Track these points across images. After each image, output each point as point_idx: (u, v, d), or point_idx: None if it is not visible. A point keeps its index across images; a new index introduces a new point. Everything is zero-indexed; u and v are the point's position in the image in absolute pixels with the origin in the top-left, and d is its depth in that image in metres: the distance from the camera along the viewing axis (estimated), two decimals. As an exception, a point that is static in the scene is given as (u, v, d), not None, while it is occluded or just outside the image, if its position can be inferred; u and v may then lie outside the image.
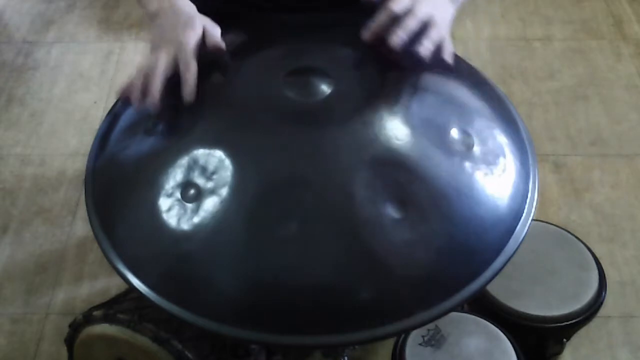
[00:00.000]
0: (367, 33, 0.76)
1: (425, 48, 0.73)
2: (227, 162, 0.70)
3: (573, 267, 1.12)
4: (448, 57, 0.77)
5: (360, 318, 0.66)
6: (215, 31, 0.78)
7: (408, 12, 0.74)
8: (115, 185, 0.76)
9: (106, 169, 0.78)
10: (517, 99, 1.79)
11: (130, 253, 0.71)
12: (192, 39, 0.74)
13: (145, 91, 0.74)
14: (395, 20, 0.74)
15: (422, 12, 0.74)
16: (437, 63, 0.76)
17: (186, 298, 0.68)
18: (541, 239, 1.15)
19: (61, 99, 1.87)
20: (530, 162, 0.79)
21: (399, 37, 0.72)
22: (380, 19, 0.75)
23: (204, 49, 0.77)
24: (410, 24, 0.73)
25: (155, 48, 0.76)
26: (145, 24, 2.07)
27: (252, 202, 0.68)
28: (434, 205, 0.69)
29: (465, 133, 0.74)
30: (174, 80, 0.75)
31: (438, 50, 0.76)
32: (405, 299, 0.67)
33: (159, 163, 0.73)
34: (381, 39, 0.75)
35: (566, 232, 1.18)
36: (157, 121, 0.77)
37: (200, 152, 0.71)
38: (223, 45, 0.78)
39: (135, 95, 0.74)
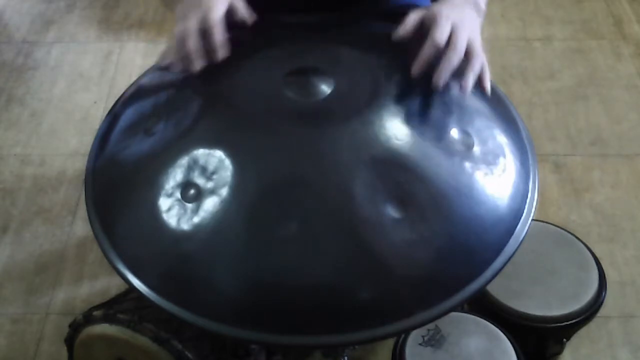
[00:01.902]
0: (416, 68, 0.74)
1: (469, 82, 0.73)
2: (227, 162, 0.70)
3: (573, 267, 1.12)
4: (487, 83, 0.76)
5: (360, 318, 0.66)
6: (241, 4, 0.80)
7: (451, 43, 0.73)
8: (115, 185, 0.76)
9: (106, 169, 0.78)
10: (517, 99, 1.79)
11: (130, 253, 0.71)
12: (218, 3, 0.76)
13: (184, 54, 0.76)
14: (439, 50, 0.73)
15: (463, 41, 0.73)
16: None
17: (186, 298, 0.68)
18: (541, 239, 1.15)
19: (61, 99, 1.87)
20: (530, 162, 0.79)
21: (441, 77, 0.72)
22: (426, 51, 0.73)
23: (232, 20, 0.79)
24: (454, 60, 0.73)
25: (182, 18, 0.78)
26: (145, 24, 2.07)
27: (252, 202, 0.68)
28: (434, 205, 0.69)
29: (465, 133, 0.74)
30: (174, 79, 0.75)
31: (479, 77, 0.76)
32: (405, 299, 0.67)
33: (159, 163, 0.73)
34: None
35: (566, 232, 1.17)
36: (157, 121, 0.77)
37: (200, 152, 0.71)
38: (250, 16, 0.80)
39: (176, 59, 0.77)
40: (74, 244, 1.51)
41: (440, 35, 0.73)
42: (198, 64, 0.76)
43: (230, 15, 0.79)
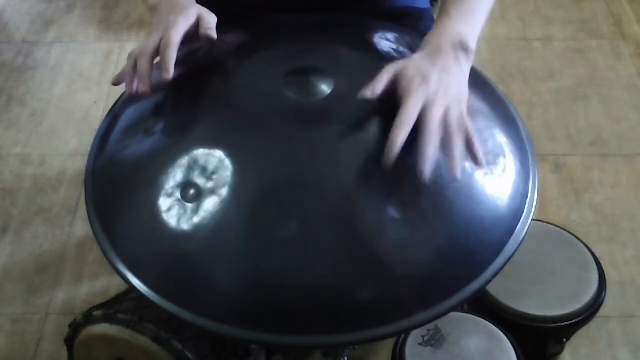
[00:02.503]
0: (388, 158, 0.66)
1: (454, 166, 0.67)
2: (227, 162, 0.70)
3: (573, 267, 1.12)
4: (478, 154, 0.69)
5: (360, 318, 0.66)
6: (210, 19, 0.78)
7: (421, 127, 0.66)
8: (115, 185, 0.76)
9: (106, 169, 0.78)
10: (517, 99, 1.79)
11: (130, 253, 0.71)
12: (180, 22, 0.75)
13: (136, 73, 0.74)
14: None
15: (434, 122, 0.66)
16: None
17: (186, 298, 0.68)
18: (541, 239, 1.15)
19: (61, 99, 1.87)
20: (530, 162, 0.79)
21: (424, 167, 0.65)
22: (394, 138, 0.66)
23: (196, 37, 0.77)
24: (428, 148, 0.65)
25: (148, 34, 0.77)
26: (145, 24, 2.07)
27: (252, 202, 0.68)
28: (434, 205, 0.69)
29: (465, 133, 0.74)
30: (174, 79, 0.75)
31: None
32: (405, 299, 0.67)
33: (159, 163, 0.73)
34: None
35: (566, 232, 1.17)
36: (157, 121, 0.77)
37: (200, 152, 0.71)
38: (214, 34, 0.77)
39: (128, 80, 0.75)
40: (74, 244, 1.51)
41: (407, 118, 0.66)
42: (142, 87, 0.74)
43: (195, 32, 0.77)
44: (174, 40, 0.74)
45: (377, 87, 0.69)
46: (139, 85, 0.74)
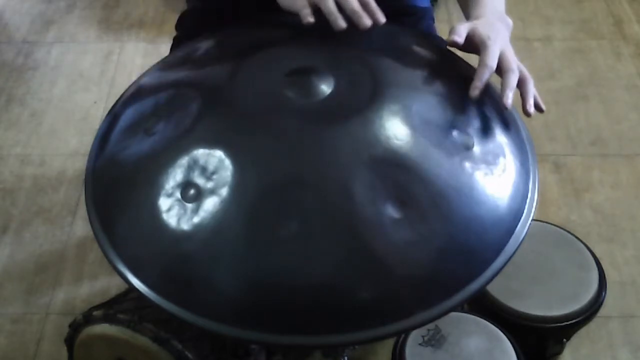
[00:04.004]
0: (476, 92, 0.77)
1: (531, 105, 0.79)
2: (227, 162, 0.70)
3: (573, 267, 1.12)
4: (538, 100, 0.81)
5: (360, 318, 0.66)
6: None
7: (506, 68, 0.79)
8: (115, 185, 0.76)
9: (106, 169, 0.78)
10: (517, 99, 1.78)
11: (130, 253, 0.71)
12: None
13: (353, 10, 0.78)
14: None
15: (514, 63, 0.79)
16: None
17: (186, 298, 0.68)
18: (541, 239, 1.15)
19: (61, 99, 1.87)
20: (530, 162, 0.79)
21: (509, 98, 0.77)
22: (483, 76, 0.77)
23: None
24: (513, 82, 0.78)
25: None
26: (145, 24, 2.07)
27: (252, 202, 0.68)
28: (434, 205, 0.69)
29: (465, 133, 0.74)
30: (174, 79, 0.75)
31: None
32: (405, 299, 0.67)
33: (159, 163, 0.73)
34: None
35: (566, 232, 1.17)
36: (157, 121, 0.77)
37: (200, 152, 0.71)
38: None
39: (334, 17, 0.78)
40: (74, 244, 1.51)
41: (492, 59, 0.78)
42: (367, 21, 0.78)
43: None
44: None
45: (462, 32, 0.80)
46: (365, 20, 0.78)
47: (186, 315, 0.67)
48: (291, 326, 0.66)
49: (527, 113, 0.79)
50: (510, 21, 0.87)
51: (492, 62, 0.78)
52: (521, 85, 0.80)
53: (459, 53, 0.85)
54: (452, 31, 0.80)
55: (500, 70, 0.79)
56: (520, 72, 0.80)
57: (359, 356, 1.26)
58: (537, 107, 0.80)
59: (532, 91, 0.80)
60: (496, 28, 0.82)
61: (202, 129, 0.74)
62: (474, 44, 0.80)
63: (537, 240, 1.14)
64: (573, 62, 1.92)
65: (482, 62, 0.78)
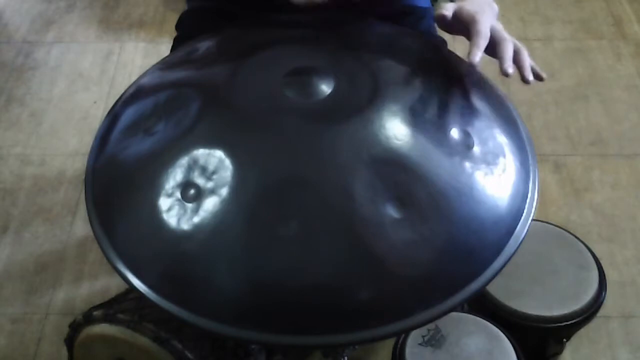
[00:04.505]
0: (476, 58, 0.77)
1: (530, 73, 0.79)
2: (227, 162, 0.70)
3: (573, 267, 1.12)
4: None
5: (360, 318, 0.66)
6: None
7: (500, 37, 0.79)
8: (115, 185, 0.76)
9: (106, 169, 0.78)
10: (517, 99, 1.78)
11: (130, 253, 0.71)
12: None
13: None
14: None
15: (506, 33, 0.80)
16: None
17: (186, 298, 0.68)
18: (541, 239, 1.15)
19: (61, 99, 1.87)
20: (530, 162, 0.79)
21: (510, 67, 0.77)
22: (480, 43, 0.77)
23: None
24: (509, 50, 0.79)
25: None
26: (145, 24, 2.07)
27: (252, 202, 0.68)
28: (434, 205, 0.69)
29: (465, 133, 0.74)
30: (174, 79, 0.75)
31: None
32: (405, 299, 0.67)
33: (159, 163, 0.73)
34: None
35: (566, 232, 1.17)
36: (157, 121, 0.77)
37: (200, 152, 0.71)
38: None
39: None
40: (74, 244, 1.51)
41: (486, 29, 0.79)
42: None
43: None
44: None
45: (449, 7, 0.80)
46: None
47: (186, 316, 0.67)
48: (291, 326, 0.66)
49: (526, 80, 0.78)
50: (496, 7, 0.86)
51: (486, 30, 0.78)
52: (516, 55, 0.79)
53: (459, 53, 0.85)
54: (439, 7, 0.80)
55: (494, 42, 0.79)
56: (514, 43, 0.80)
57: (359, 356, 1.26)
58: (537, 75, 0.80)
59: (528, 60, 0.80)
60: (482, 7, 0.82)
61: (202, 129, 0.74)
62: (462, 21, 0.80)
63: (537, 240, 1.14)
64: (573, 62, 1.92)
65: (476, 32, 0.78)
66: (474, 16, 0.79)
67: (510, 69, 0.77)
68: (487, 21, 0.79)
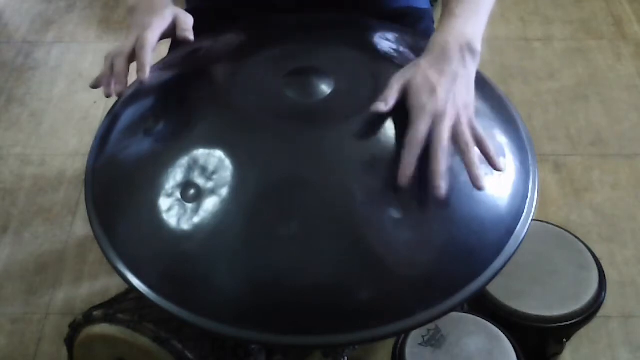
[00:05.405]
0: (403, 179, 0.66)
1: (475, 177, 0.67)
2: (227, 162, 0.70)
3: (573, 267, 1.12)
4: (496, 161, 0.70)
5: (360, 318, 0.66)
6: (187, 20, 0.81)
7: (433, 141, 0.67)
8: (115, 185, 0.76)
9: (106, 169, 0.78)
10: (517, 99, 1.79)
11: (130, 253, 0.71)
12: (156, 24, 0.77)
13: (113, 75, 0.76)
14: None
15: (444, 134, 0.67)
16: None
17: (186, 298, 0.68)
18: (541, 239, 1.15)
19: (61, 99, 1.87)
20: (530, 162, 0.79)
21: (439, 179, 0.66)
22: (407, 158, 0.66)
23: (174, 37, 0.80)
24: (442, 159, 0.66)
25: (126, 35, 0.79)
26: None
27: (252, 202, 0.68)
28: (433, 205, 0.69)
29: (465, 133, 0.74)
30: (174, 79, 0.75)
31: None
32: (405, 299, 0.67)
33: (159, 163, 0.73)
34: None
35: (566, 232, 1.17)
36: (157, 121, 0.77)
37: (200, 152, 0.71)
38: (191, 35, 0.80)
39: (105, 82, 0.77)
40: (74, 244, 1.51)
41: (418, 138, 0.67)
42: (119, 87, 0.76)
43: (171, 32, 0.80)
44: (149, 42, 0.76)
45: (389, 100, 0.70)
46: (116, 86, 0.76)
47: (186, 315, 0.67)
48: (291, 326, 0.66)
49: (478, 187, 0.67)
50: (479, 48, 0.73)
51: (416, 141, 0.66)
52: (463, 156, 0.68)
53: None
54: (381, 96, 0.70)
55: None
56: (459, 137, 0.68)
57: (359, 356, 1.26)
58: (495, 167, 0.69)
59: (474, 159, 0.67)
60: (447, 66, 0.70)
61: (202, 129, 0.74)
62: (409, 105, 0.69)
63: (537, 240, 1.14)
64: (573, 62, 1.92)
65: (406, 139, 0.67)
66: (413, 111, 0.68)
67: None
68: (425, 122, 0.67)
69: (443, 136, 0.67)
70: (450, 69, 0.71)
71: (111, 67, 0.77)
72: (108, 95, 0.77)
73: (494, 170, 0.73)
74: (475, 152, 0.68)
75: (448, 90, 0.69)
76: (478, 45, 0.73)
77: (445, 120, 0.67)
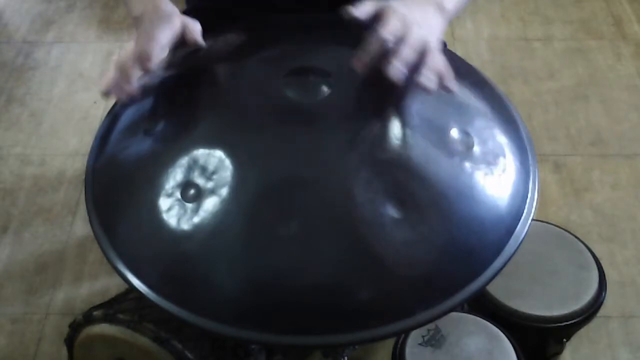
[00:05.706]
0: (358, 63, 0.70)
1: (429, 79, 0.69)
2: (227, 162, 0.70)
3: (573, 267, 1.12)
4: (450, 83, 0.72)
5: (360, 318, 0.66)
6: (195, 27, 0.82)
7: (401, 39, 0.69)
8: (115, 185, 0.76)
9: (106, 169, 0.78)
10: (517, 99, 1.79)
11: (130, 253, 0.71)
12: (162, 32, 0.77)
13: (122, 82, 0.77)
14: (389, 48, 0.69)
15: (416, 38, 0.69)
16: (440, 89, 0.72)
17: (186, 298, 0.68)
18: (541, 239, 1.15)
19: (61, 99, 1.87)
20: (530, 162, 0.79)
21: (396, 69, 0.67)
22: (371, 47, 0.69)
23: (183, 44, 0.81)
24: (406, 54, 0.68)
25: (134, 42, 0.79)
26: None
27: (252, 202, 0.68)
28: (434, 205, 0.69)
29: (465, 133, 0.74)
30: (174, 79, 0.75)
31: (440, 77, 0.71)
32: (405, 299, 0.67)
33: (159, 163, 0.73)
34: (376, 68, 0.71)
35: (566, 232, 1.17)
36: (157, 121, 0.77)
37: (200, 152, 0.71)
38: (201, 41, 0.82)
39: (115, 89, 0.78)
40: (74, 244, 1.51)
41: (388, 30, 0.69)
42: (132, 96, 0.77)
43: (179, 40, 0.80)
44: (155, 54, 0.76)
45: (361, 12, 0.72)
46: (128, 94, 0.77)
47: (186, 315, 0.67)
48: (291, 326, 0.66)
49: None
50: (449, 6, 0.76)
51: (386, 32, 0.68)
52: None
53: (459, 53, 0.84)
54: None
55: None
56: (424, 49, 0.70)
57: (359, 356, 1.26)
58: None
59: (431, 66, 0.70)
60: (417, 7, 0.73)
61: (202, 129, 0.74)
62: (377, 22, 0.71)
63: (537, 240, 1.14)
64: (573, 62, 1.92)
65: (374, 32, 0.69)
66: (383, 12, 0.71)
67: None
68: (396, 19, 0.70)
69: (413, 35, 0.69)
70: (418, 7, 0.74)
71: (121, 74, 0.77)
72: (119, 101, 0.78)
73: (493, 171, 0.73)
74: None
75: (416, 18, 0.72)
76: (448, 5, 0.76)
77: (416, 27, 0.70)
